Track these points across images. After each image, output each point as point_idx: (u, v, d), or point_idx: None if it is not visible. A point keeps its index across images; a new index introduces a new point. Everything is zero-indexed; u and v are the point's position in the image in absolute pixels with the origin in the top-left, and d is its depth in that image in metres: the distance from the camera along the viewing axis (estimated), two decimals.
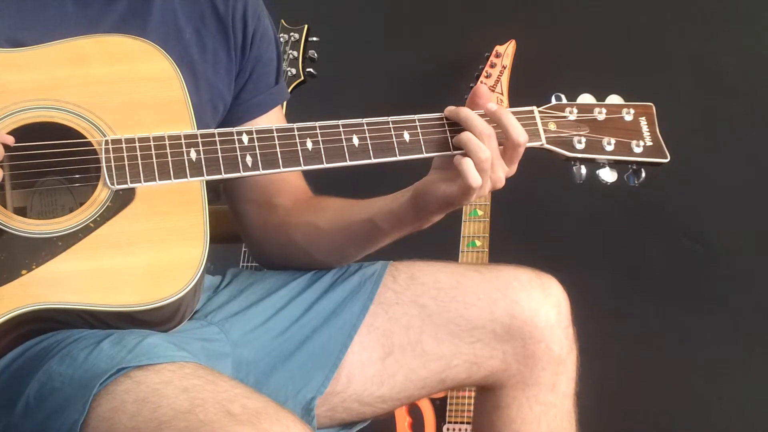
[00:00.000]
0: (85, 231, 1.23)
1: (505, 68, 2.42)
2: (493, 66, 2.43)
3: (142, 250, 1.24)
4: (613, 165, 1.45)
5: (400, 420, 2.37)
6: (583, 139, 1.44)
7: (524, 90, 2.26)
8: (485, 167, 1.31)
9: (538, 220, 2.62)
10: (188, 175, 1.28)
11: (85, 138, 1.27)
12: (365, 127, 1.36)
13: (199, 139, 1.29)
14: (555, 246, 2.54)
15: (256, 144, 1.31)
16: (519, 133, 1.35)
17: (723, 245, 2.49)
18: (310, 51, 2.39)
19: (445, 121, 1.38)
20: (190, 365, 1.14)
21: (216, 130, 1.31)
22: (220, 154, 1.29)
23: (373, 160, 1.35)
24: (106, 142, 1.27)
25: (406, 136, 1.36)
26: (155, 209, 1.26)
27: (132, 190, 1.26)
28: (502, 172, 1.35)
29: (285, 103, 2.17)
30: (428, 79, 2.61)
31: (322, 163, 1.33)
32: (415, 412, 2.36)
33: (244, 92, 1.53)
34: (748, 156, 2.47)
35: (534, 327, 1.43)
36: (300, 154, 1.33)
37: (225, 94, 1.50)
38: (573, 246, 2.56)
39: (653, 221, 2.55)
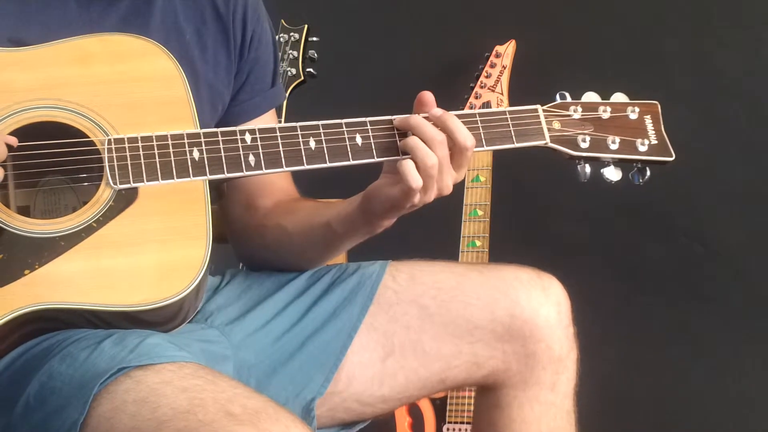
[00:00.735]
0: (87, 231, 1.23)
1: (505, 68, 2.42)
2: (493, 66, 2.43)
3: (145, 250, 1.24)
4: (618, 163, 1.45)
5: (400, 420, 2.37)
6: (588, 138, 1.44)
7: (524, 90, 2.26)
8: (432, 173, 1.30)
9: (538, 220, 2.62)
10: (191, 175, 1.27)
11: (88, 137, 1.27)
12: (368, 127, 1.35)
13: (202, 139, 1.29)
14: (555, 246, 2.53)
15: (259, 143, 1.31)
16: (465, 137, 1.33)
17: (723, 245, 2.49)
18: (310, 51, 2.39)
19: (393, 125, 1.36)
20: (190, 365, 1.14)
21: (219, 129, 1.31)
22: (222, 154, 1.29)
23: (377, 159, 1.35)
24: (109, 142, 1.26)
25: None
26: (158, 209, 1.26)
27: (135, 190, 1.26)
28: (450, 179, 1.34)
29: (285, 104, 2.18)
30: (428, 79, 2.60)
31: (325, 162, 1.33)
32: (415, 412, 2.36)
33: (241, 93, 1.53)
34: (748, 156, 2.47)
35: (534, 326, 1.44)
36: (303, 153, 1.32)
37: (224, 95, 1.50)
38: (573, 246, 2.56)
39: (653, 221, 2.55)
